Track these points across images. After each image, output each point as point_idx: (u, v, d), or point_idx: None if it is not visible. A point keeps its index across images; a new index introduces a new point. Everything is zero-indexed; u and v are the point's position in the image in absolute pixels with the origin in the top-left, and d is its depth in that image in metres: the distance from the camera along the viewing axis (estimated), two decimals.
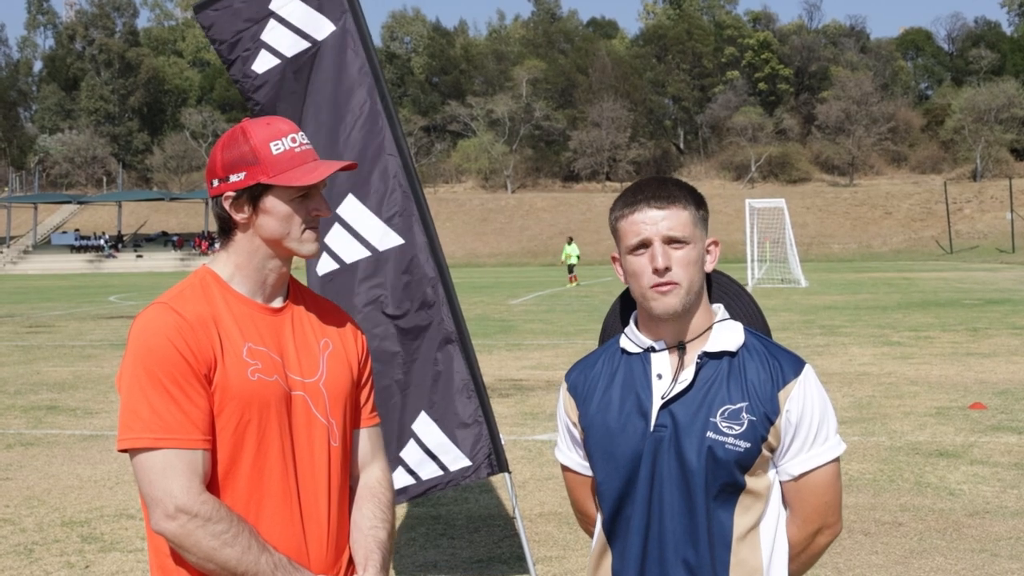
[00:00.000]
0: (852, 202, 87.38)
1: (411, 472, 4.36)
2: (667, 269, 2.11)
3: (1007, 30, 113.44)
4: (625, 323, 2.32)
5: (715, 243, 2.23)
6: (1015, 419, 9.90)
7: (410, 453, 4.35)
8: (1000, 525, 6.37)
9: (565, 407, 2.34)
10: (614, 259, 2.26)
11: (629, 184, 2.28)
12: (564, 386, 2.35)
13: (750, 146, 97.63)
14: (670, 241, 2.13)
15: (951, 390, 11.74)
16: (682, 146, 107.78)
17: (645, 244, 2.14)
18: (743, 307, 2.38)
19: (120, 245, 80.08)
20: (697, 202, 2.19)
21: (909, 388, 11.96)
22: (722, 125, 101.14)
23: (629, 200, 2.18)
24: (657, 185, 2.18)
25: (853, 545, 6.00)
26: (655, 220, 2.13)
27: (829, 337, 17.96)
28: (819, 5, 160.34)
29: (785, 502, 2.22)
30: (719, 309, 2.25)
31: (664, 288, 2.12)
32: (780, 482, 2.20)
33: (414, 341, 4.37)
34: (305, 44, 4.43)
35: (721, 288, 2.38)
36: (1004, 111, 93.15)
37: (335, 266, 4.37)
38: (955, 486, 7.35)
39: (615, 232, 2.21)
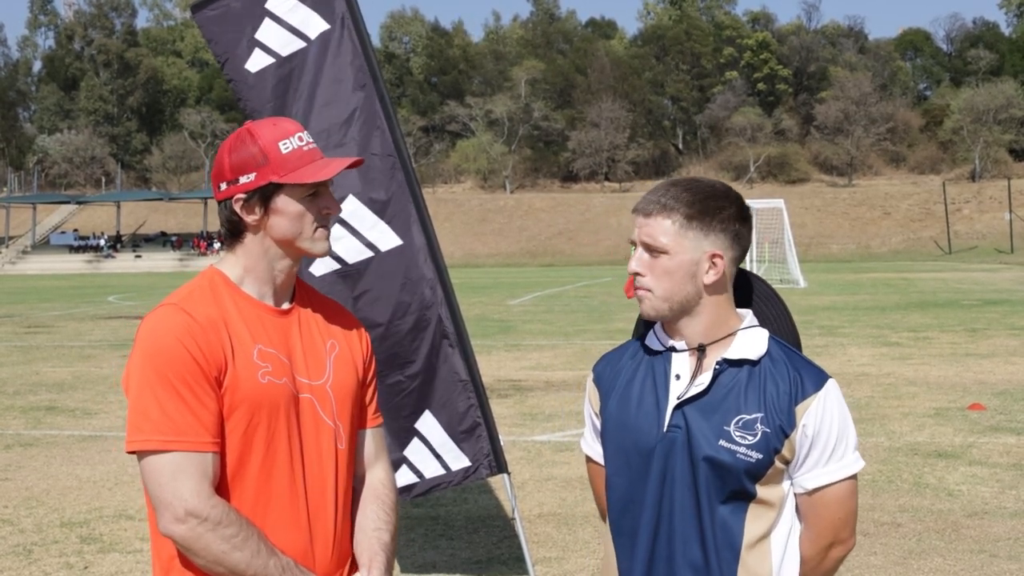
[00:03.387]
0: (851, 202, 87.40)
1: (415, 470, 4.39)
2: (637, 274, 2.16)
3: (1005, 31, 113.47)
4: None
5: (716, 256, 2.12)
6: (1014, 420, 9.91)
7: (414, 451, 4.38)
8: (999, 526, 6.38)
9: (590, 397, 2.35)
10: None
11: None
12: (591, 376, 2.36)
13: (749, 146, 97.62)
14: (648, 248, 2.15)
15: (950, 391, 11.75)
16: (681, 146, 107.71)
17: (635, 245, 2.19)
18: (774, 312, 2.34)
19: (119, 245, 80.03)
20: (702, 212, 2.12)
21: (908, 389, 11.96)
22: (721, 125, 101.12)
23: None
24: (658, 191, 2.19)
25: None
26: (638, 225, 2.18)
27: (828, 338, 17.96)
28: (818, 5, 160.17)
29: (799, 514, 2.20)
30: (747, 315, 2.22)
31: (638, 292, 2.16)
32: (795, 494, 2.18)
33: (413, 342, 4.37)
34: (300, 43, 4.41)
35: (755, 292, 2.34)
36: (1003, 112, 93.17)
37: (336, 267, 4.36)
38: (954, 487, 7.36)
39: None
